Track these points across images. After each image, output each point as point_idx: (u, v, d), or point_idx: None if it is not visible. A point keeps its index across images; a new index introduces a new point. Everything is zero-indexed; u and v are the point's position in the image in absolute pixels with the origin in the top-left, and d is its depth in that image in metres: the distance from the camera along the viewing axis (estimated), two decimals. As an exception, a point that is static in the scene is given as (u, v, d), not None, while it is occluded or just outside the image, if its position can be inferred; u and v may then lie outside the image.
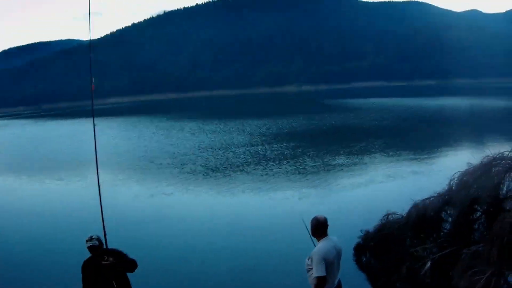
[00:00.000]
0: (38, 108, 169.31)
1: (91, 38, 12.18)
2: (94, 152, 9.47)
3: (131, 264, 8.38)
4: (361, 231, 15.71)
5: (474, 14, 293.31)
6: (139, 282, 9.03)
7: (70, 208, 24.19)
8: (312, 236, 8.39)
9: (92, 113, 9.67)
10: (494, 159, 12.11)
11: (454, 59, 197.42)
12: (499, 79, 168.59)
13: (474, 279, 9.84)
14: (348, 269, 14.53)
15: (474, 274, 9.99)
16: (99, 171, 9.38)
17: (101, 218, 8.31)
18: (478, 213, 12.49)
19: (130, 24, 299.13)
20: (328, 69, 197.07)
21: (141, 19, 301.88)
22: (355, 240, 15.80)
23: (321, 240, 8.12)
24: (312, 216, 8.33)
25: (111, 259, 8.02)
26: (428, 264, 11.60)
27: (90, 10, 10.80)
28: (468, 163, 13.35)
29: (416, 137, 45.50)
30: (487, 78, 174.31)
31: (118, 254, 8.36)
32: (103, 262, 8.00)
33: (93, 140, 9.67)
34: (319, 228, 8.16)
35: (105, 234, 8.32)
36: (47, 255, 17.67)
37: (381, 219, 15.21)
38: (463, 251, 11.09)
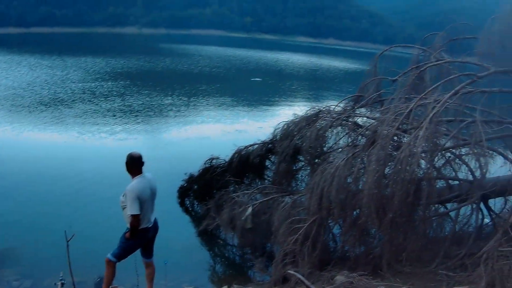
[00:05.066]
0: None
1: None
2: None
3: None
4: (185, 174, 15.16)
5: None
6: None
7: None
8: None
9: None
10: (320, 111, 12.08)
11: (296, 18, 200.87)
12: (338, 41, 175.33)
13: (295, 227, 9.71)
14: (173, 211, 14.33)
15: (295, 222, 9.86)
16: None
17: None
18: (302, 163, 12.42)
19: None
20: (169, 14, 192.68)
21: None
22: (180, 183, 15.29)
23: (136, 177, 7.58)
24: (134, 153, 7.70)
25: None
26: (249, 210, 11.31)
27: None
28: (294, 114, 13.21)
29: (251, 87, 46.01)
30: (327, 39, 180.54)
31: None
32: None
33: None
34: (133, 164, 7.64)
35: None
36: None
37: (205, 163, 14.83)
38: (285, 199, 10.89)
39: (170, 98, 34.53)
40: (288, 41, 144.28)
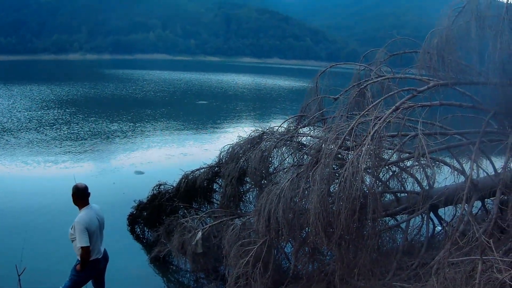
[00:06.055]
0: None
1: None
2: None
3: None
4: (134, 201, 14.84)
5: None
6: None
7: None
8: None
9: None
10: (264, 133, 12.19)
11: (240, 39, 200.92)
12: (282, 60, 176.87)
13: (246, 249, 9.62)
14: (123, 239, 14.01)
15: (245, 244, 9.79)
16: None
17: None
18: (249, 185, 12.37)
19: None
20: (113, 40, 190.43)
21: None
22: (129, 211, 14.93)
23: (83, 209, 7.69)
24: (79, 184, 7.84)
25: None
26: (199, 234, 11.16)
27: None
28: (238, 136, 13.29)
29: (191, 110, 46.03)
30: (272, 58, 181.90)
31: None
32: None
33: None
34: (79, 196, 7.70)
35: None
36: None
37: (153, 189, 14.59)
38: (234, 221, 10.80)
39: (116, 124, 34.04)
40: (233, 62, 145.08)
